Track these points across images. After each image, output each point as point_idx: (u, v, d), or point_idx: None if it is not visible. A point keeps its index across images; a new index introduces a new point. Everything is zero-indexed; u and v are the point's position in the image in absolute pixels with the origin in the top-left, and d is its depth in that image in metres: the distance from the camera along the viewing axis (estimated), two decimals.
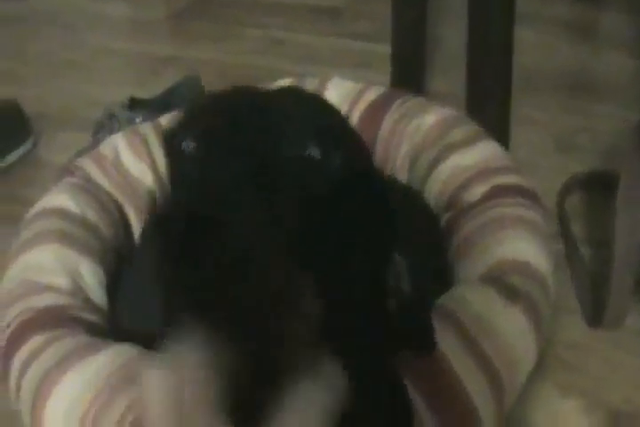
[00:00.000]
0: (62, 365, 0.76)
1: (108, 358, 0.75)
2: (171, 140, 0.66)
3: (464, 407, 0.68)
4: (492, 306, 0.74)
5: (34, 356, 0.80)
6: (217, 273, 0.52)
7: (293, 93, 0.73)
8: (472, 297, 0.75)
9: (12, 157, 1.66)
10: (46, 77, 2.02)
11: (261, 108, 0.65)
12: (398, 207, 0.93)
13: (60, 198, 1.06)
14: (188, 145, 0.63)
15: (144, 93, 1.67)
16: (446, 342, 0.70)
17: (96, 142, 1.40)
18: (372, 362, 0.61)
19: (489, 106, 1.22)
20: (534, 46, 1.71)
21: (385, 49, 1.67)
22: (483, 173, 0.93)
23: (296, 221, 0.57)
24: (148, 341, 0.77)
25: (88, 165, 1.14)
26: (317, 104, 0.71)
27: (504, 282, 0.76)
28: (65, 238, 0.98)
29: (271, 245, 0.55)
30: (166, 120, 1.21)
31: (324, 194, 0.61)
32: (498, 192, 0.90)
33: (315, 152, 0.62)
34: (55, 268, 0.95)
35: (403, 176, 1.04)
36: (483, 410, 0.69)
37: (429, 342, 0.68)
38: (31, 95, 1.82)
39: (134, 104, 1.57)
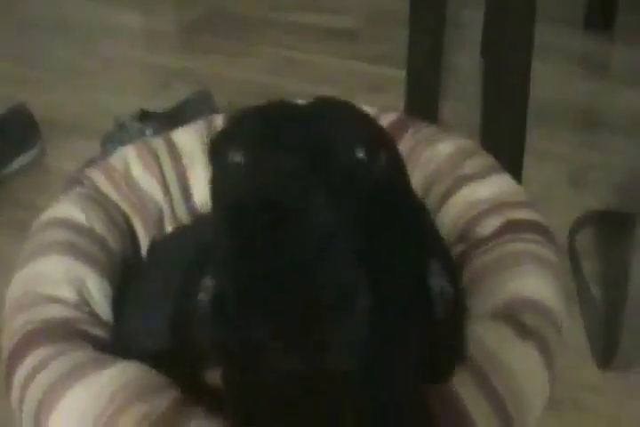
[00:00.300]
0: (67, 380, 0.75)
1: (114, 376, 0.75)
2: (218, 151, 0.67)
3: None
4: (505, 343, 0.73)
5: (38, 369, 0.79)
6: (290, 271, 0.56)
7: (330, 102, 0.75)
8: (484, 334, 0.74)
9: (20, 162, 1.65)
10: (58, 84, 2.02)
11: (303, 117, 0.67)
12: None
13: (68, 209, 1.05)
14: (235, 156, 0.65)
15: (154, 105, 1.67)
16: (458, 380, 0.70)
17: (105, 153, 1.40)
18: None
19: (503, 137, 1.22)
20: (549, 79, 1.71)
21: (399, 73, 1.68)
22: (496, 207, 0.93)
23: (355, 221, 0.59)
24: (154, 357, 0.77)
25: (97, 176, 1.13)
26: (355, 111, 0.75)
27: (517, 319, 0.76)
28: (72, 250, 0.97)
29: (340, 245, 0.57)
30: (177, 134, 1.21)
31: (373, 194, 0.64)
32: (511, 227, 0.89)
33: (363, 155, 0.65)
34: (61, 280, 0.94)
35: None
36: None
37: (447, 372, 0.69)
38: (42, 101, 1.82)
39: (145, 116, 1.57)
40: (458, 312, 0.75)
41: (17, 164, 1.64)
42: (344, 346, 0.58)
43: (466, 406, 0.69)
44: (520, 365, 0.72)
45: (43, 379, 0.77)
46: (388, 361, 0.64)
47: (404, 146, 1.08)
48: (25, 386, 0.80)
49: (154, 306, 0.87)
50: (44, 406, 0.75)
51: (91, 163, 1.38)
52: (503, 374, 0.71)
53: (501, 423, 0.70)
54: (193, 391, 0.73)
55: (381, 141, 0.71)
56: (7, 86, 2.02)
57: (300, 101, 0.89)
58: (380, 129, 0.76)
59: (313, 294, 0.55)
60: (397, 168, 0.74)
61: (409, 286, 0.68)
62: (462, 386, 0.70)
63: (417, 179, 1.04)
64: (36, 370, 0.79)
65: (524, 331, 0.74)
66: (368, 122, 0.75)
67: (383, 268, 0.62)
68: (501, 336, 0.74)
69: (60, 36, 2.32)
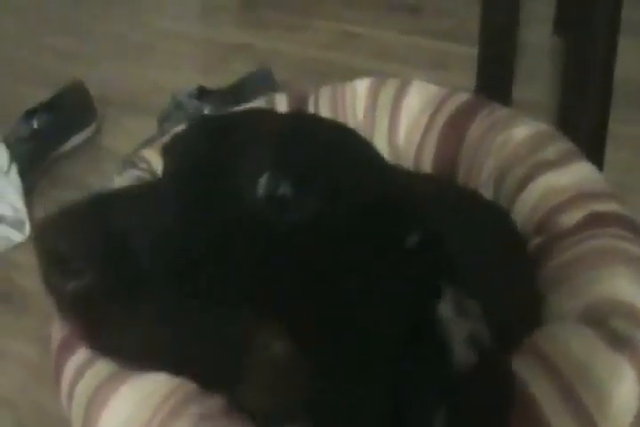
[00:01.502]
0: (119, 376, 0.71)
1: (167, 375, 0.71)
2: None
3: None
4: (594, 352, 0.67)
5: (88, 363, 0.75)
6: None
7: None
8: (570, 340, 0.68)
9: (75, 140, 1.62)
10: (113, 60, 1.99)
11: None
12: (480, 226, 0.88)
13: None
14: None
15: (212, 81, 1.63)
16: (541, 391, 0.64)
17: (162, 132, 1.36)
18: None
19: (584, 120, 1.15)
20: (629, 58, 1.62)
21: (464, 50, 1.61)
22: (577, 197, 0.87)
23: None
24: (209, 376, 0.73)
25: (153, 157, 1.10)
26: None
27: (607, 325, 0.69)
28: None
29: None
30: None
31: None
32: (595, 221, 0.83)
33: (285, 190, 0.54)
34: None
35: (488, 192, 0.98)
36: None
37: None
38: (96, 77, 1.79)
39: (203, 93, 1.53)
40: (499, 362, 0.60)
41: (72, 143, 1.62)
42: None
43: (547, 418, 0.63)
44: (610, 378, 0.65)
45: (93, 375, 0.73)
46: None
47: (476, 129, 1.02)
48: (74, 381, 0.77)
49: None
50: (95, 404, 0.71)
51: (147, 143, 1.34)
52: (592, 388, 0.64)
53: None
54: None
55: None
56: (63, 62, 2.00)
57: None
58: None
59: None
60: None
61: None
62: (546, 400, 0.64)
63: (491, 164, 0.98)
64: (85, 366, 0.75)
65: (616, 339, 0.68)
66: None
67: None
68: (590, 345, 0.67)
69: (115, 11, 2.30)
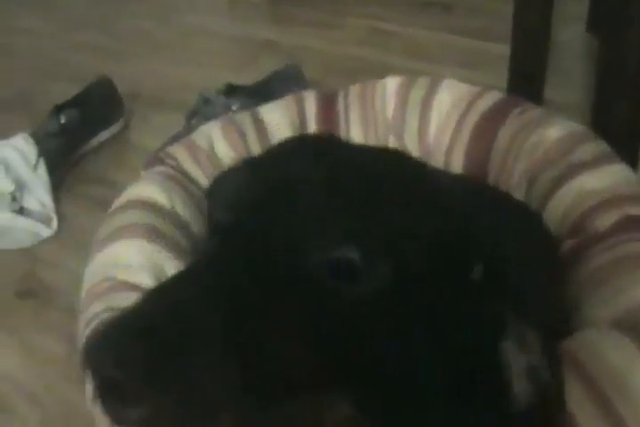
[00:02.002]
0: None
1: None
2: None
3: None
4: (631, 361, 0.65)
5: None
6: None
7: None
8: (606, 347, 0.66)
9: (103, 136, 1.62)
10: (140, 56, 1.99)
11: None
12: (515, 230, 0.86)
13: (149, 189, 1.01)
14: None
15: (240, 78, 1.62)
16: (575, 400, 0.62)
17: (189, 129, 1.36)
18: None
19: (618, 121, 1.13)
20: None
21: (496, 48, 1.59)
22: (612, 200, 0.85)
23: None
24: None
25: (180, 154, 1.09)
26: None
27: None
28: (152, 234, 0.93)
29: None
30: (265, 110, 1.15)
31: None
32: (630, 224, 0.81)
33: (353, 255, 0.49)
34: (140, 265, 0.90)
35: (519, 193, 0.96)
36: None
37: None
38: (124, 74, 1.79)
39: (231, 90, 1.52)
40: (558, 400, 0.55)
41: (100, 138, 1.62)
42: None
43: None
44: None
45: None
46: None
47: (508, 129, 1.01)
48: None
49: None
50: None
51: (174, 139, 1.33)
52: (628, 398, 0.62)
53: None
54: None
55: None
56: (90, 58, 2.00)
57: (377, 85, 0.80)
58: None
59: None
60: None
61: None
62: (582, 412, 0.62)
63: (523, 165, 0.97)
64: None
65: None
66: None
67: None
68: (626, 353, 0.65)
69: (143, 7, 2.29)
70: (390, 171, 0.56)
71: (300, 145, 0.59)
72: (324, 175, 0.52)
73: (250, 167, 0.57)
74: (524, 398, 0.52)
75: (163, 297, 0.47)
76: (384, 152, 0.61)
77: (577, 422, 0.61)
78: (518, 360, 0.53)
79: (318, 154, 0.56)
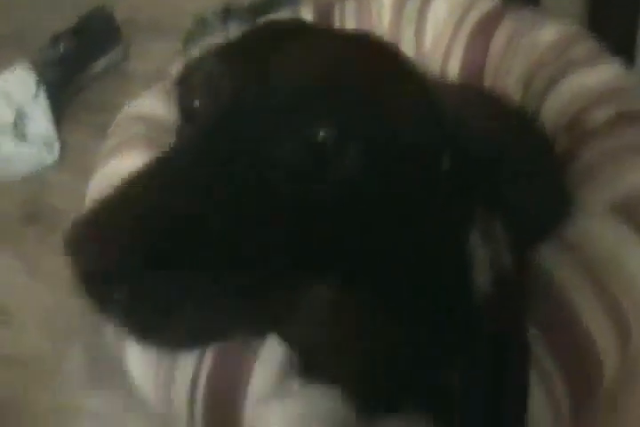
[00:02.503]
0: None
1: None
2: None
3: (584, 346, 0.63)
4: (624, 245, 0.66)
5: None
6: None
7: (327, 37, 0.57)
8: (600, 231, 0.67)
9: (101, 64, 1.62)
10: None
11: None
12: (507, 130, 0.86)
13: (150, 104, 1.02)
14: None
15: (236, 0, 1.60)
16: (567, 277, 0.63)
17: (188, 51, 1.36)
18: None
19: (613, 21, 1.12)
20: None
21: None
22: (606, 96, 0.85)
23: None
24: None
25: (178, 70, 1.10)
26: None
27: (636, 216, 0.68)
28: (155, 146, 0.94)
29: None
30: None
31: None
32: (624, 119, 0.82)
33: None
34: None
35: (517, 94, 0.97)
36: (605, 351, 0.63)
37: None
38: (121, 2, 1.77)
39: (227, 12, 1.52)
40: (518, 287, 0.57)
41: (98, 66, 1.61)
42: None
43: (578, 310, 0.63)
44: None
45: None
46: None
47: (503, 32, 1.01)
48: None
49: None
50: None
51: (173, 60, 1.33)
52: (623, 280, 0.64)
53: (618, 329, 0.64)
54: None
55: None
56: None
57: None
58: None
59: None
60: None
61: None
62: (576, 291, 0.64)
63: (519, 66, 0.97)
64: None
65: None
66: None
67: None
68: (621, 236, 0.67)
69: None
70: (364, 57, 0.55)
71: (270, 31, 0.57)
72: (296, 60, 0.52)
73: (221, 54, 0.55)
74: (486, 285, 0.53)
75: (140, 184, 0.47)
76: (359, 39, 0.57)
77: (572, 300, 0.63)
78: (483, 250, 0.54)
79: (290, 39, 0.54)
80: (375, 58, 0.55)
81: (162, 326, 0.45)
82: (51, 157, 1.38)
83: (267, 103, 0.49)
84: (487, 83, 1.02)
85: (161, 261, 0.43)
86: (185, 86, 0.56)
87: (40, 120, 1.42)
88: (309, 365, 0.63)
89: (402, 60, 0.56)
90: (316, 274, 0.49)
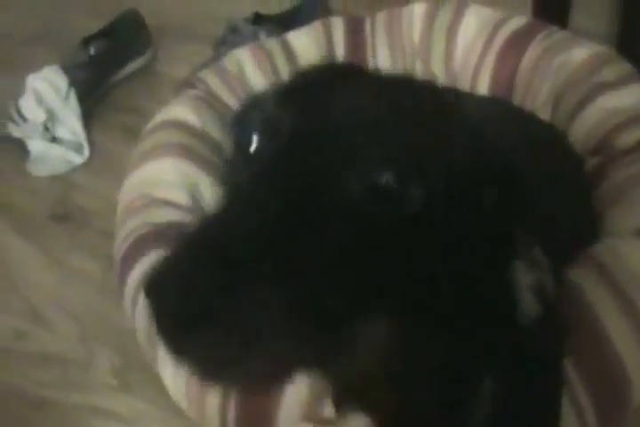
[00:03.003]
0: None
1: None
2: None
3: (614, 371, 0.64)
4: None
5: None
6: None
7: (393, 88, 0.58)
8: (628, 252, 0.68)
9: (131, 67, 1.64)
10: None
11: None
12: (539, 147, 0.87)
13: (181, 111, 1.03)
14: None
15: (267, 8, 1.62)
16: (600, 302, 0.64)
17: (217, 56, 1.37)
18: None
19: None
20: None
21: None
22: (636, 118, 0.86)
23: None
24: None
25: (210, 79, 1.11)
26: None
27: None
28: (186, 153, 0.96)
29: None
30: (293, 36, 1.16)
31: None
32: None
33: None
34: (175, 182, 0.93)
35: (545, 114, 0.98)
36: (635, 375, 0.64)
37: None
38: (152, 5, 1.79)
39: (258, 19, 1.53)
40: (560, 312, 0.57)
41: (128, 69, 1.63)
42: None
43: (608, 333, 0.64)
44: None
45: None
46: None
47: (533, 51, 1.02)
48: (137, 291, 0.80)
49: None
50: None
51: (203, 66, 1.35)
52: None
53: None
54: None
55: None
56: None
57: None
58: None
59: None
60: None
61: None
62: (604, 312, 0.65)
63: (548, 86, 0.98)
64: None
65: None
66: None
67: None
68: None
69: None
70: (417, 98, 0.56)
71: (327, 73, 0.59)
72: (353, 104, 0.53)
73: (279, 96, 0.56)
74: (532, 313, 0.54)
75: (212, 229, 0.48)
76: (409, 80, 0.60)
77: (601, 321, 0.64)
78: (527, 277, 0.54)
79: (346, 82, 0.56)
80: (422, 98, 0.57)
81: (234, 369, 0.46)
82: (79, 157, 1.40)
83: (326, 147, 0.50)
84: (516, 100, 1.03)
85: (240, 303, 0.44)
86: (242, 124, 0.56)
87: (70, 121, 1.43)
88: (346, 395, 0.63)
89: (443, 96, 0.59)
90: (374, 308, 0.50)
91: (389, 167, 0.49)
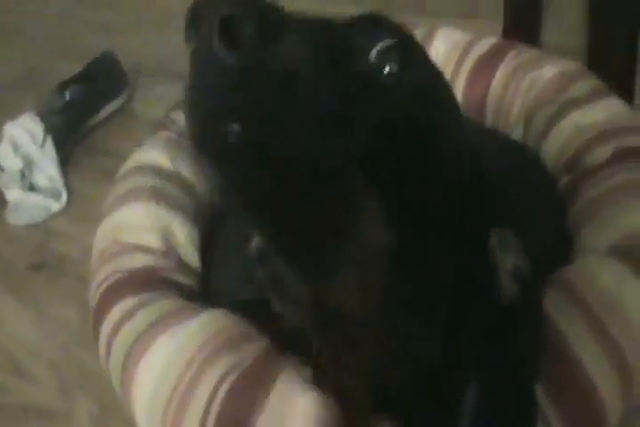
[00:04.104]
0: (154, 329, 0.73)
1: (201, 325, 0.71)
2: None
3: (586, 395, 0.62)
4: (622, 283, 0.66)
5: (125, 319, 0.76)
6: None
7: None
8: (598, 272, 0.67)
9: (107, 110, 1.64)
10: (140, 27, 1.99)
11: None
12: (511, 167, 0.86)
13: (153, 154, 1.02)
14: None
15: None
16: (568, 322, 0.63)
17: None
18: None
19: (613, 57, 1.12)
20: None
21: None
22: (607, 133, 0.85)
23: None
24: (242, 303, 0.73)
25: (182, 119, 1.10)
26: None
27: (635, 257, 0.68)
28: (158, 196, 0.95)
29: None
30: None
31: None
32: (624, 155, 0.81)
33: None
34: (147, 227, 0.91)
35: (517, 134, 0.97)
36: (608, 399, 0.62)
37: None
38: (127, 45, 1.80)
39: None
40: (537, 295, 0.59)
41: (105, 112, 1.63)
42: None
43: (578, 356, 0.63)
44: (639, 309, 0.65)
45: (129, 329, 0.75)
46: None
47: (503, 71, 1.01)
48: (112, 336, 0.79)
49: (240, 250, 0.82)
50: (132, 357, 0.72)
51: (177, 106, 1.34)
52: (620, 319, 0.64)
53: (619, 374, 0.63)
54: (283, 339, 0.68)
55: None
56: (93, 34, 2.00)
57: None
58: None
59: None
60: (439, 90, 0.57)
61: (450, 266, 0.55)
62: (574, 333, 0.63)
63: (519, 105, 0.97)
64: (121, 321, 0.76)
65: None
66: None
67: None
68: (618, 276, 0.66)
69: None
70: None
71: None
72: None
73: None
74: (510, 295, 0.54)
75: None
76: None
77: (571, 344, 0.62)
78: (505, 260, 0.55)
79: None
80: None
81: None
82: (57, 204, 1.39)
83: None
84: (489, 120, 1.02)
85: None
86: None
87: (47, 168, 1.43)
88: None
89: None
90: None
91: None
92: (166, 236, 0.91)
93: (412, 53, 0.54)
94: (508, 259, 0.55)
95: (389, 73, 0.51)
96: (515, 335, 0.55)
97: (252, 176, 0.47)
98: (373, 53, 0.51)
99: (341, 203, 0.48)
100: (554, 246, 0.76)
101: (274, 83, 0.46)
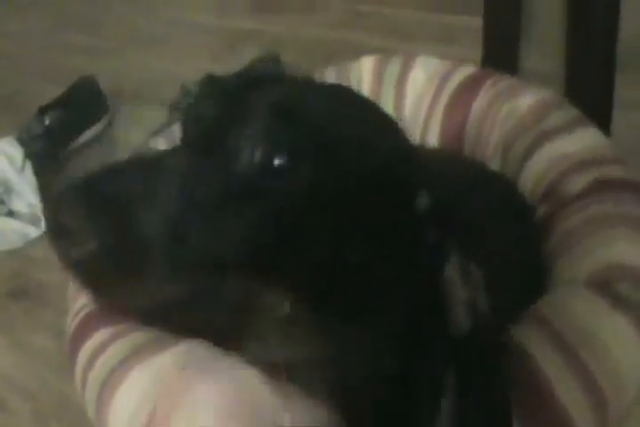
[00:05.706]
0: (129, 361, 0.72)
1: (178, 355, 0.71)
2: None
3: (561, 423, 0.62)
4: (597, 315, 0.66)
5: (100, 350, 0.76)
6: None
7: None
8: (573, 304, 0.67)
9: (87, 135, 1.63)
10: (123, 52, 1.99)
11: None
12: (489, 197, 0.86)
13: None
14: None
15: (221, 69, 1.61)
16: (543, 355, 0.63)
17: (171, 121, 1.36)
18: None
19: (590, 87, 1.13)
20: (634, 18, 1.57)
21: (472, 22, 1.58)
22: (583, 163, 0.85)
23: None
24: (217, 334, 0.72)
25: (160, 145, 1.10)
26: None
27: (611, 289, 0.68)
28: None
29: None
30: None
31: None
32: (601, 186, 0.81)
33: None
34: None
35: (495, 164, 0.97)
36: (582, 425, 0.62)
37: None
38: (108, 70, 1.80)
39: (210, 81, 1.52)
40: (494, 328, 0.57)
41: (85, 137, 1.63)
42: None
43: (553, 387, 0.62)
44: (613, 338, 0.65)
45: (105, 360, 0.74)
46: None
47: (481, 101, 1.01)
48: (88, 367, 0.78)
49: None
50: (108, 388, 0.72)
51: (156, 133, 1.34)
52: (595, 351, 0.64)
53: (594, 405, 0.63)
54: None
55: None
56: (74, 57, 2.00)
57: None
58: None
59: None
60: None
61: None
62: (548, 364, 0.63)
63: (497, 135, 0.97)
64: (98, 351, 0.76)
65: (620, 301, 0.67)
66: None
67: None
68: (593, 308, 0.67)
69: (127, 3, 2.29)
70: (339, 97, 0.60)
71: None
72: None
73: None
74: (463, 326, 0.54)
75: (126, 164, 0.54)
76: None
77: (546, 376, 0.62)
78: (460, 291, 0.55)
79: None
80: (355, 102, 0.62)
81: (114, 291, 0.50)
82: (36, 231, 1.38)
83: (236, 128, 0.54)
84: (467, 150, 1.02)
85: None
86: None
87: (26, 195, 1.42)
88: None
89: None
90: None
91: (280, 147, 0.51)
92: None
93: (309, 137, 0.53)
94: (466, 291, 0.55)
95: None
96: (471, 368, 0.54)
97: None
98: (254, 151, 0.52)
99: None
100: (529, 278, 0.76)
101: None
